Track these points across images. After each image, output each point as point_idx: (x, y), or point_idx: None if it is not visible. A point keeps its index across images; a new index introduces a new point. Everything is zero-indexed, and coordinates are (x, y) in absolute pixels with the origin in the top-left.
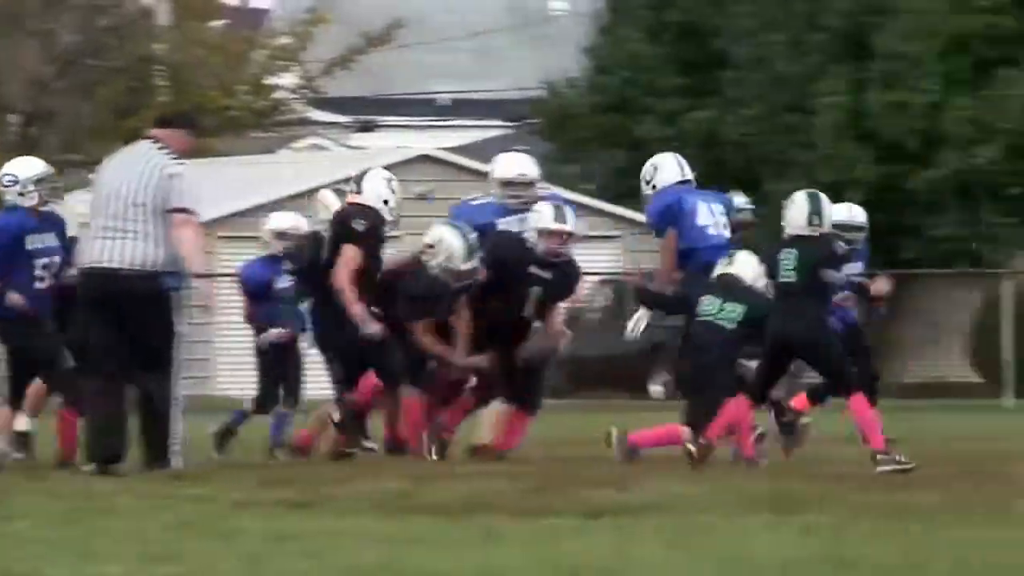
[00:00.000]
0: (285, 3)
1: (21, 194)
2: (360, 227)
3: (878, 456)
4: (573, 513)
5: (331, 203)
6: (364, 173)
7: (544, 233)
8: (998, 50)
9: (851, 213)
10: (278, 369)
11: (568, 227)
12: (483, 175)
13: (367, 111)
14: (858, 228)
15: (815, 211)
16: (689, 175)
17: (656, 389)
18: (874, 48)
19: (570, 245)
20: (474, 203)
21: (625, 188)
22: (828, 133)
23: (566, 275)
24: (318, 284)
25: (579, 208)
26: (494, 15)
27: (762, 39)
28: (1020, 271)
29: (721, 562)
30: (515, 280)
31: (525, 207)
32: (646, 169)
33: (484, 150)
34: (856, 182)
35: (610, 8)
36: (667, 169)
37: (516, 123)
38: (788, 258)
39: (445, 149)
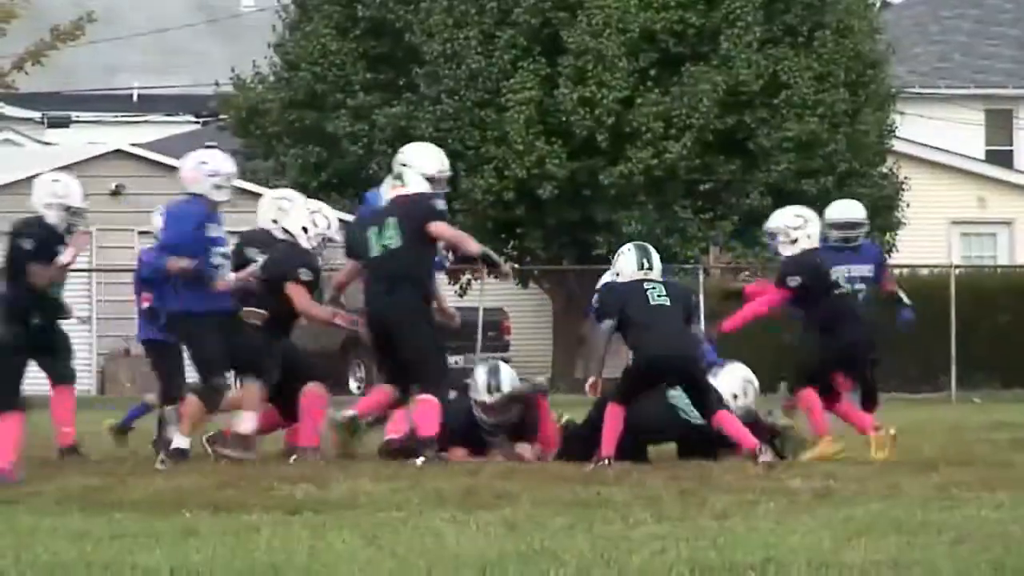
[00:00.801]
0: None
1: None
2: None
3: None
4: (270, 509)
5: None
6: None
7: (481, 405)
8: (686, 46)
9: (848, 211)
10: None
11: (503, 393)
12: (174, 170)
13: (57, 106)
14: (856, 224)
15: (644, 258)
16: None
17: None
18: (564, 44)
19: (512, 409)
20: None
21: (318, 183)
22: (520, 129)
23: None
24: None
25: None
26: (182, 11)
27: (454, 35)
28: (712, 266)
29: (421, 556)
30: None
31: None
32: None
33: (174, 146)
34: (549, 177)
35: (297, 4)
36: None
37: (206, 119)
38: (657, 288)
39: (137, 145)
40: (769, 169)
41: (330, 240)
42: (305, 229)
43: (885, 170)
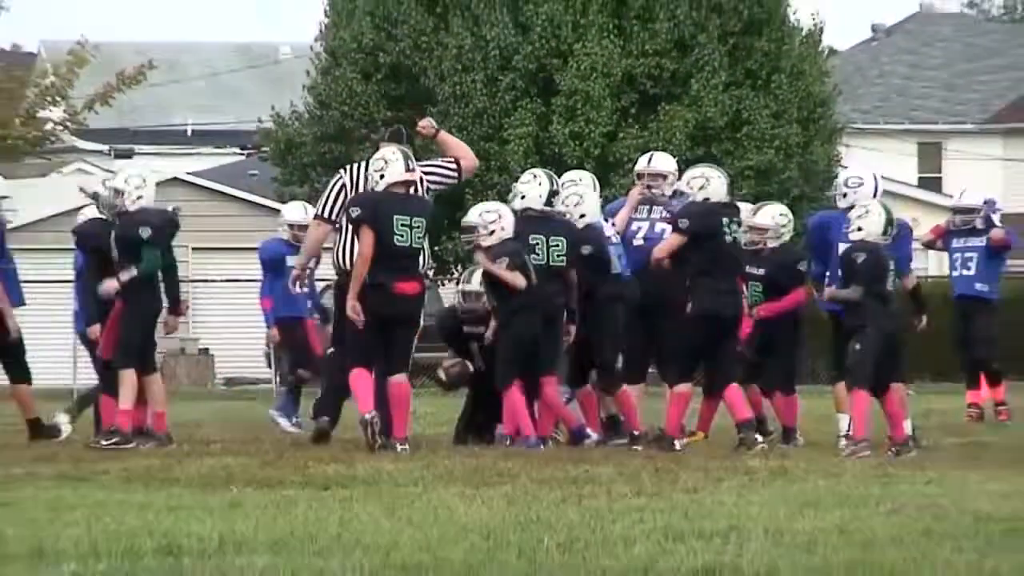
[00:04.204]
0: (49, 45)
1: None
2: None
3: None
4: (306, 485)
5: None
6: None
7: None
8: (661, 88)
9: None
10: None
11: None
12: (223, 195)
13: (122, 140)
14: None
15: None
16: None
17: None
18: (557, 86)
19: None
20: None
21: None
22: (519, 159)
23: None
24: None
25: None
26: (230, 57)
27: (462, 79)
28: None
29: (434, 525)
30: None
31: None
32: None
33: (223, 174)
34: None
35: (328, 52)
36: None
37: (250, 151)
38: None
39: (191, 173)
40: (732, 194)
41: None
42: None
43: (832, 194)
